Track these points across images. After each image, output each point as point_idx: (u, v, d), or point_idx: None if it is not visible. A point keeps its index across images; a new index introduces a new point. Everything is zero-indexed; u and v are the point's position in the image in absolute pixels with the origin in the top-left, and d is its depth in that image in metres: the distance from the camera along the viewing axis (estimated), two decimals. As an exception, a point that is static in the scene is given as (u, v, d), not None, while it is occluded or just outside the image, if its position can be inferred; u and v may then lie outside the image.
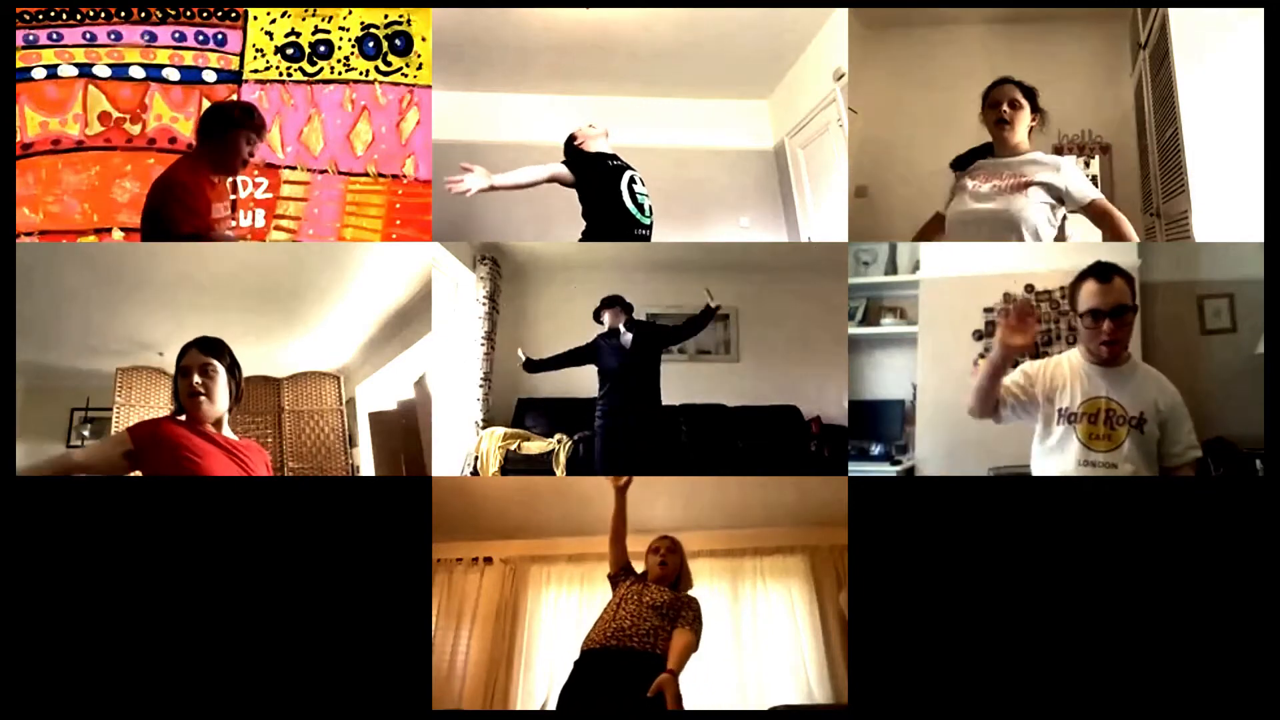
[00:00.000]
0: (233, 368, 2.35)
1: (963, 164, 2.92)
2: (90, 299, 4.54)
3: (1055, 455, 2.48)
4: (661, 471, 3.71)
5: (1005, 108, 2.80)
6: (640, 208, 3.50)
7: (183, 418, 2.29)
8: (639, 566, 2.97)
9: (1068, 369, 2.49)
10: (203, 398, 2.25)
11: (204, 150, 2.77)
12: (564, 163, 3.60)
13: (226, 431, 2.32)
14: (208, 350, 2.32)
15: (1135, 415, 2.38)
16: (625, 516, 3.00)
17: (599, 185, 3.51)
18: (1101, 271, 2.41)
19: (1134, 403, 2.40)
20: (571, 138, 3.67)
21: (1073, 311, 2.49)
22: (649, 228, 3.54)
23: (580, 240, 3.58)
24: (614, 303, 4.00)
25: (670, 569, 2.87)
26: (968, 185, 2.87)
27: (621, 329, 3.95)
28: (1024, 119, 2.82)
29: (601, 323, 4.03)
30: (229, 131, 2.74)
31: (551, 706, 3.10)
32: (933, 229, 3.09)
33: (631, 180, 3.52)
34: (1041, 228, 2.78)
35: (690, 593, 2.88)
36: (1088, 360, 2.47)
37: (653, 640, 2.56)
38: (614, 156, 3.62)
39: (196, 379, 2.25)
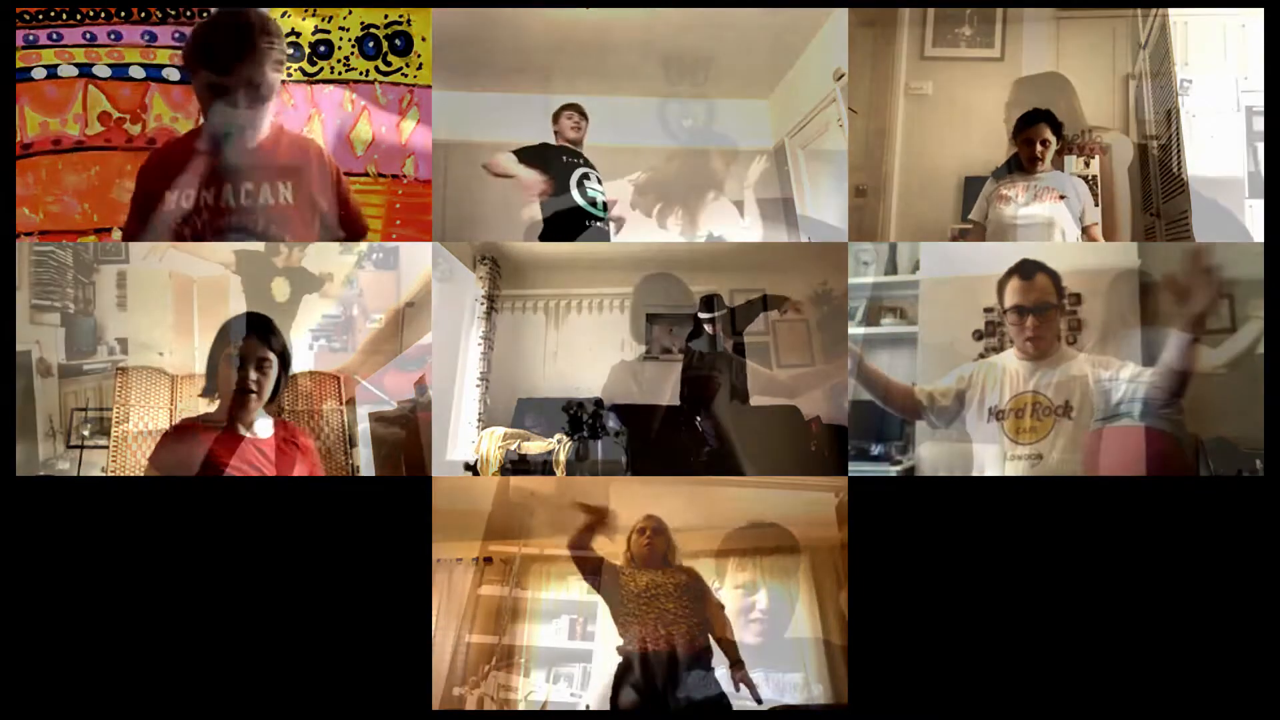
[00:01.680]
0: (284, 354, 2.10)
1: (1001, 174, 3.28)
2: (91, 299, 4.53)
3: (978, 447, 2.55)
4: (662, 471, 3.71)
5: (1039, 146, 3.19)
6: (591, 202, 3.52)
7: (209, 407, 2.07)
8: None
9: (1000, 372, 2.56)
10: (254, 395, 2.01)
11: None
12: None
13: (259, 427, 2.06)
14: (264, 338, 2.03)
15: (1060, 405, 2.45)
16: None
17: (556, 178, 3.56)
18: (1025, 269, 2.51)
19: (1060, 391, 2.45)
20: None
21: (999, 308, 2.58)
22: (605, 220, 3.56)
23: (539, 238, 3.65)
24: (713, 307, 4.10)
25: (658, 549, 2.90)
26: (1006, 194, 3.23)
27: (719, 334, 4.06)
28: (1052, 149, 3.24)
29: (708, 331, 4.14)
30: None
31: (581, 706, 3.14)
32: (973, 238, 3.42)
33: (584, 176, 3.57)
34: (1070, 233, 3.22)
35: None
36: (1018, 357, 2.54)
37: (698, 631, 2.69)
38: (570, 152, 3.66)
39: (253, 374, 2.00)
